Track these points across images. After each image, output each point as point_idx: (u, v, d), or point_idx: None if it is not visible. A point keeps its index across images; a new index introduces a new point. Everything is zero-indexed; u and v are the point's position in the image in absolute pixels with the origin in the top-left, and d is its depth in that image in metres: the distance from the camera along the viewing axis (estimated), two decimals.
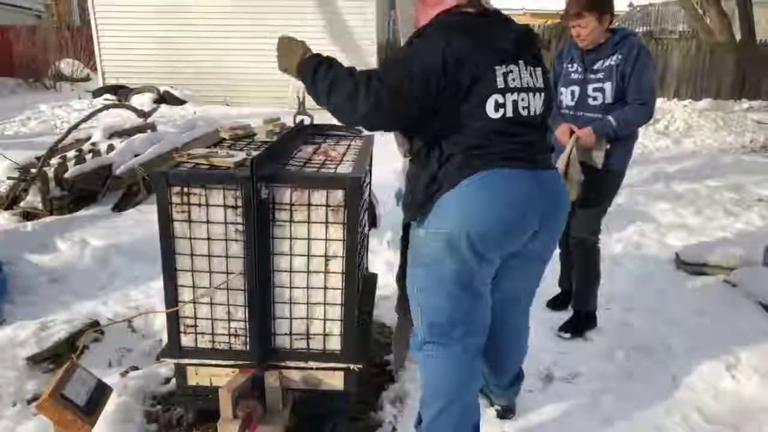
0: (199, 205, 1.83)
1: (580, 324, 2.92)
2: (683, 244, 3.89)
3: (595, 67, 2.68)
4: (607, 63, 2.65)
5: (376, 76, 1.64)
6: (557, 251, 3.17)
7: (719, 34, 11.17)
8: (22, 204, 4.34)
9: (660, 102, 10.59)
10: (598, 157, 2.66)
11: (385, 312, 3.02)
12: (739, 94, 10.66)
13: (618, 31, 2.69)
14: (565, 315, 3.03)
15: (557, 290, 3.19)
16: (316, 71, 1.74)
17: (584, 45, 2.66)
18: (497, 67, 1.69)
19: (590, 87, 2.68)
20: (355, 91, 1.63)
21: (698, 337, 2.82)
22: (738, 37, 11.28)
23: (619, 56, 2.62)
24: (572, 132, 2.68)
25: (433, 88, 1.63)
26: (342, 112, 1.70)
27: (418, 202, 1.76)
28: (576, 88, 2.74)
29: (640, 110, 2.61)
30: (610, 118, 2.61)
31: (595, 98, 2.68)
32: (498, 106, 1.68)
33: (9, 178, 4.40)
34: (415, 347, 1.93)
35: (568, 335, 2.87)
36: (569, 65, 2.79)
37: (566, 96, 2.77)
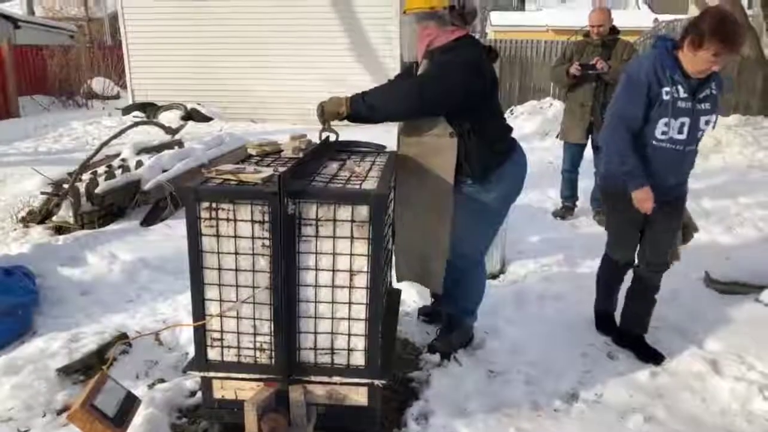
0: (227, 220, 1.86)
1: (645, 345, 2.83)
2: (713, 262, 3.81)
3: (702, 95, 2.48)
4: (708, 92, 2.49)
5: (427, 79, 2.36)
6: (590, 270, 3.10)
7: (747, 50, 11.02)
8: (54, 218, 4.46)
9: None
10: None
11: (409, 328, 3.02)
12: None
13: None
14: (593, 335, 3.00)
15: (587, 310, 3.10)
16: (364, 96, 2.29)
17: (700, 76, 2.45)
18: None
19: (702, 119, 2.50)
20: (410, 91, 2.34)
21: (729, 357, 2.76)
22: (767, 52, 11.11)
23: (716, 84, 2.51)
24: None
25: (477, 86, 2.37)
26: (405, 109, 2.35)
27: (478, 171, 2.46)
28: (687, 120, 2.47)
29: None
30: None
31: (703, 131, 2.53)
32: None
33: (42, 193, 4.52)
34: (471, 266, 2.68)
35: (664, 358, 2.75)
36: (673, 90, 2.45)
37: (673, 128, 2.48)
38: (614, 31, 4.61)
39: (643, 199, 2.54)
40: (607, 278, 3.00)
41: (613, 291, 3.03)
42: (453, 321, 2.82)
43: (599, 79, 4.56)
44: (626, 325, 2.89)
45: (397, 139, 2.56)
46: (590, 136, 4.74)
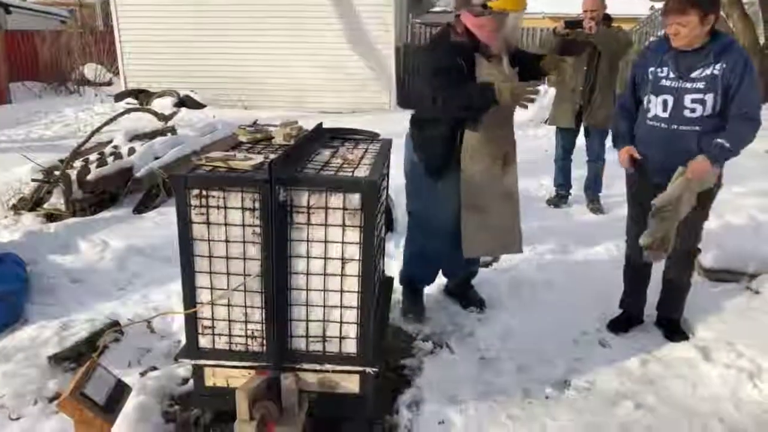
0: (218, 207, 1.85)
1: (680, 328, 2.91)
2: (704, 249, 3.82)
3: (693, 75, 2.44)
4: (708, 72, 2.41)
5: None
6: (583, 258, 3.10)
7: (742, 38, 10.99)
8: (45, 206, 4.43)
9: None
10: (710, 180, 2.54)
11: (401, 315, 3.02)
12: (763, 98, 10.44)
13: (719, 36, 2.45)
14: (585, 323, 3.01)
15: (580, 297, 3.08)
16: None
17: (678, 45, 2.43)
18: None
19: (688, 97, 2.45)
20: None
21: (719, 344, 2.77)
22: (762, 40, 11.09)
23: (723, 65, 2.39)
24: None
25: None
26: None
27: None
28: (669, 98, 2.49)
29: (751, 126, 2.41)
30: (723, 141, 2.38)
31: (693, 110, 2.45)
32: None
33: (33, 180, 4.48)
34: None
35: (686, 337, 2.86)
36: (658, 70, 2.52)
37: (656, 106, 2.53)
38: (607, 18, 4.58)
39: (622, 158, 2.70)
40: (628, 270, 2.94)
41: (633, 286, 2.95)
42: (472, 277, 3.18)
43: (592, 51, 4.53)
44: (669, 311, 2.94)
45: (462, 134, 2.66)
46: (581, 122, 4.74)
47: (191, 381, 2.23)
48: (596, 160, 4.83)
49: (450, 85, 2.47)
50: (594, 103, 4.61)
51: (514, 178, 2.85)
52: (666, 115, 2.52)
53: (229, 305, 1.96)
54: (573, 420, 2.27)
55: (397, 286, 3.03)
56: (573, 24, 4.45)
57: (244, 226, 1.87)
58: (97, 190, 4.49)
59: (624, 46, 4.61)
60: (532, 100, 2.43)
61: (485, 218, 2.74)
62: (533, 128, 8.44)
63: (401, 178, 2.87)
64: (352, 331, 1.98)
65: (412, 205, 2.89)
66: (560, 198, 5.06)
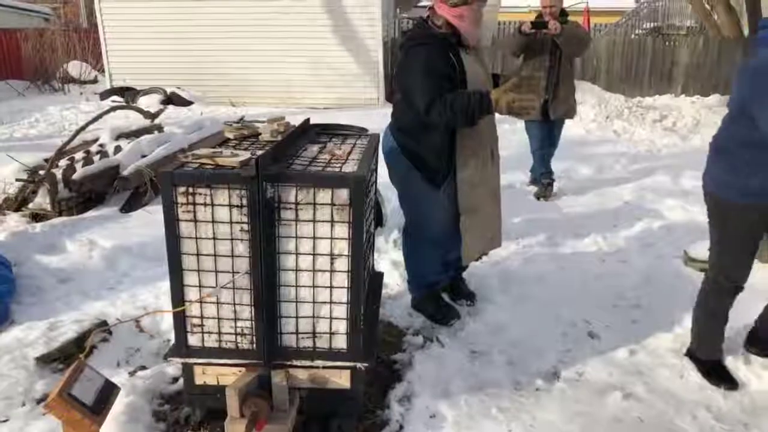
0: (205, 204, 1.84)
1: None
2: (691, 240, 3.86)
3: None
4: None
5: None
6: (571, 251, 3.11)
7: (727, 30, 11.09)
8: (30, 205, 4.37)
9: (667, 98, 10.49)
10: None
11: (392, 310, 3.03)
12: None
13: None
14: (574, 315, 3.02)
15: (568, 290, 3.10)
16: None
17: None
18: None
19: None
20: None
21: None
22: (746, 32, 11.19)
23: None
24: None
25: None
26: None
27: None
28: None
29: None
30: None
31: None
32: None
33: (18, 180, 4.43)
34: None
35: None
36: None
37: None
38: (564, 14, 4.69)
39: None
40: (714, 310, 2.52)
41: (722, 329, 2.53)
42: (462, 270, 3.16)
43: (553, 48, 4.67)
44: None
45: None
46: (547, 113, 4.89)
47: (181, 380, 2.22)
48: (550, 147, 5.09)
49: (444, 91, 2.40)
50: (559, 97, 4.81)
51: (498, 174, 2.86)
52: None
53: (218, 303, 1.95)
54: (563, 411, 2.29)
55: (387, 281, 3.03)
56: (539, 25, 4.58)
57: (231, 223, 1.86)
58: (83, 189, 4.44)
59: (585, 45, 4.83)
60: (528, 113, 2.38)
61: (479, 220, 2.74)
62: (520, 122, 8.46)
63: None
64: (342, 326, 1.98)
65: (414, 216, 2.80)
66: (547, 187, 5.11)
